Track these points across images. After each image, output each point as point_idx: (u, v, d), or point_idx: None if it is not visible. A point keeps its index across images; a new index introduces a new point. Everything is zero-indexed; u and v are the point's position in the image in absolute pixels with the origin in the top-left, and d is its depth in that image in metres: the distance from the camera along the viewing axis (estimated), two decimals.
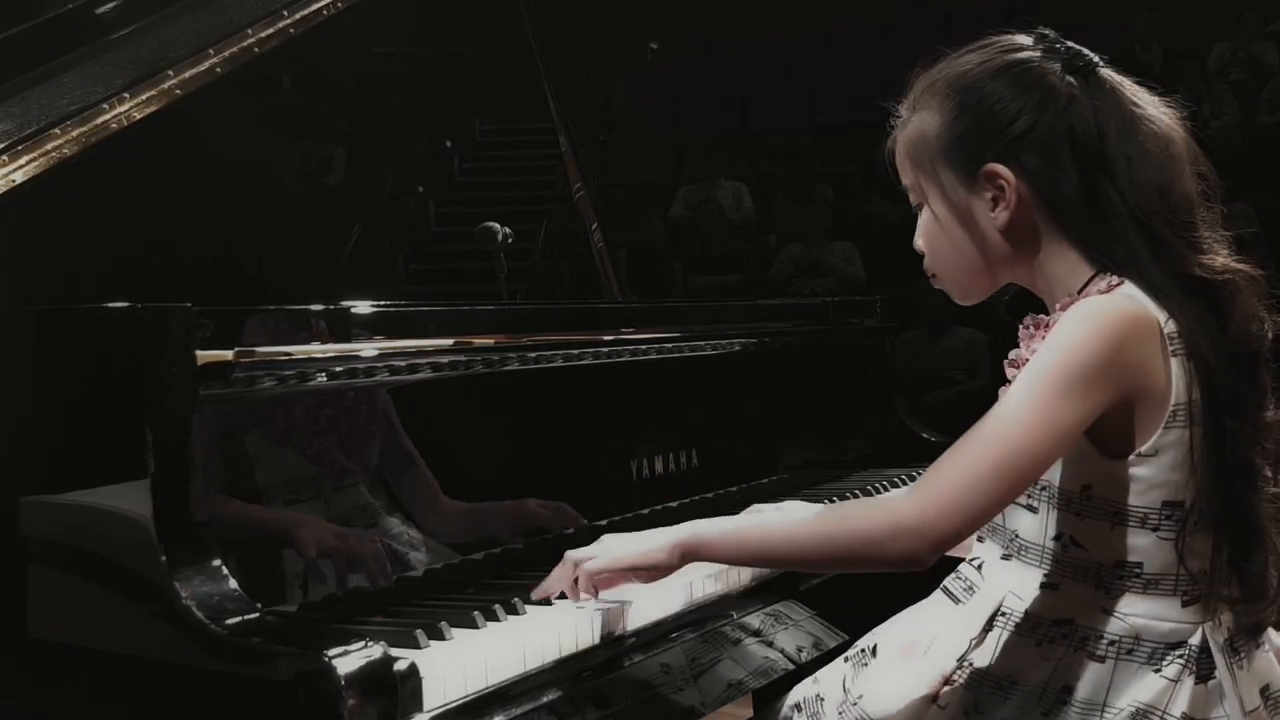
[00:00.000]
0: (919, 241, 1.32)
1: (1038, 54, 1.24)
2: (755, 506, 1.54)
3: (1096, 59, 1.24)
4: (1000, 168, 1.21)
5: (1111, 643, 1.18)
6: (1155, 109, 1.23)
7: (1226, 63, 7.13)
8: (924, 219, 1.30)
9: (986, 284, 1.30)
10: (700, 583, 1.48)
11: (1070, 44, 1.24)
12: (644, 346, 1.81)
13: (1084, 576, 1.20)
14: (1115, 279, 1.20)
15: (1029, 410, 1.14)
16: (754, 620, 1.56)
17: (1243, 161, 6.05)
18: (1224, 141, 6.21)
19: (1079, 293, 1.22)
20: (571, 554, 1.32)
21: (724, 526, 1.29)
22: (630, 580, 1.30)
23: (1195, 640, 1.18)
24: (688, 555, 1.26)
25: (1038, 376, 1.15)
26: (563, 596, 1.35)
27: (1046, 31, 1.26)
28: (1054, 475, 1.20)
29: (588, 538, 1.36)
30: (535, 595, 1.34)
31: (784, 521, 1.27)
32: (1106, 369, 1.14)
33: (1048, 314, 1.25)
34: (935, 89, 1.26)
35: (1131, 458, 1.17)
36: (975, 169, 1.22)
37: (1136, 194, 1.18)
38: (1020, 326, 1.28)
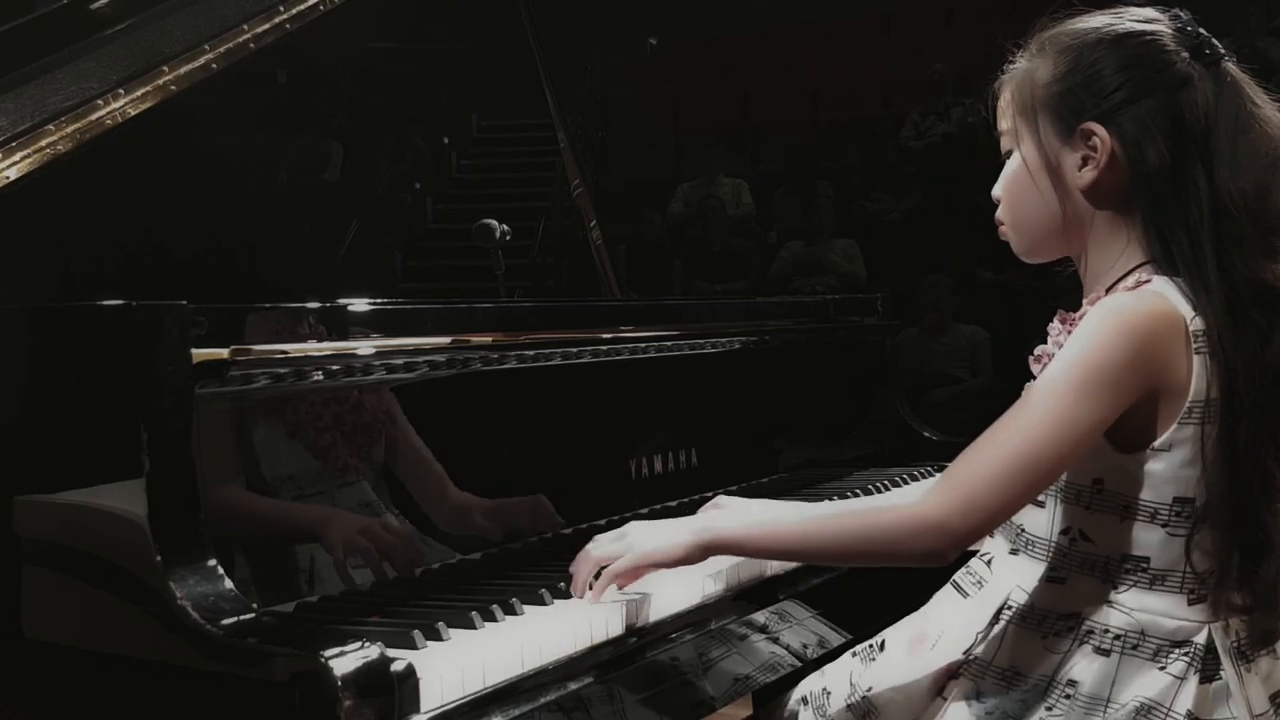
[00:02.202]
0: (998, 189, 1.33)
1: (1168, 32, 1.24)
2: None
3: (1224, 51, 1.24)
4: (1098, 127, 1.22)
5: (1117, 637, 1.18)
6: (1273, 112, 1.23)
7: None
8: (1010, 165, 1.31)
9: (1053, 244, 1.30)
10: (701, 582, 1.47)
11: (1204, 31, 1.25)
12: (643, 344, 1.80)
13: (1090, 570, 1.21)
14: (1146, 275, 1.21)
15: (1052, 410, 1.15)
16: (759, 618, 1.56)
17: None
18: None
19: (1117, 283, 1.22)
20: (593, 550, 1.32)
21: (746, 522, 1.30)
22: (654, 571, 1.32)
23: (1201, 639, 1.18)
24: (709, 551, 1.28)
25: (1060, 375, 1.16)
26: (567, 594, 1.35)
27: (1182, 13, 1.27)
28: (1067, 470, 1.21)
29: (586, 538, 1.35)
30: (574, 592, 1.34)
31: (806, 517, 1.28)
32: (1128, 369, 1.15)
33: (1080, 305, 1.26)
34: (1057, 40, 1.27)
35: (1145, 452, 1.17)
36: (1074, 123, 1.23)
37: (1232, 187, 1.18)
38: (1051, 324, 1.28)
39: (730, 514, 1.34)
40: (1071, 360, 1.16)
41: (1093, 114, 1.22)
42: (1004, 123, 1.31)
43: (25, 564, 1.18)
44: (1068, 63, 1.25)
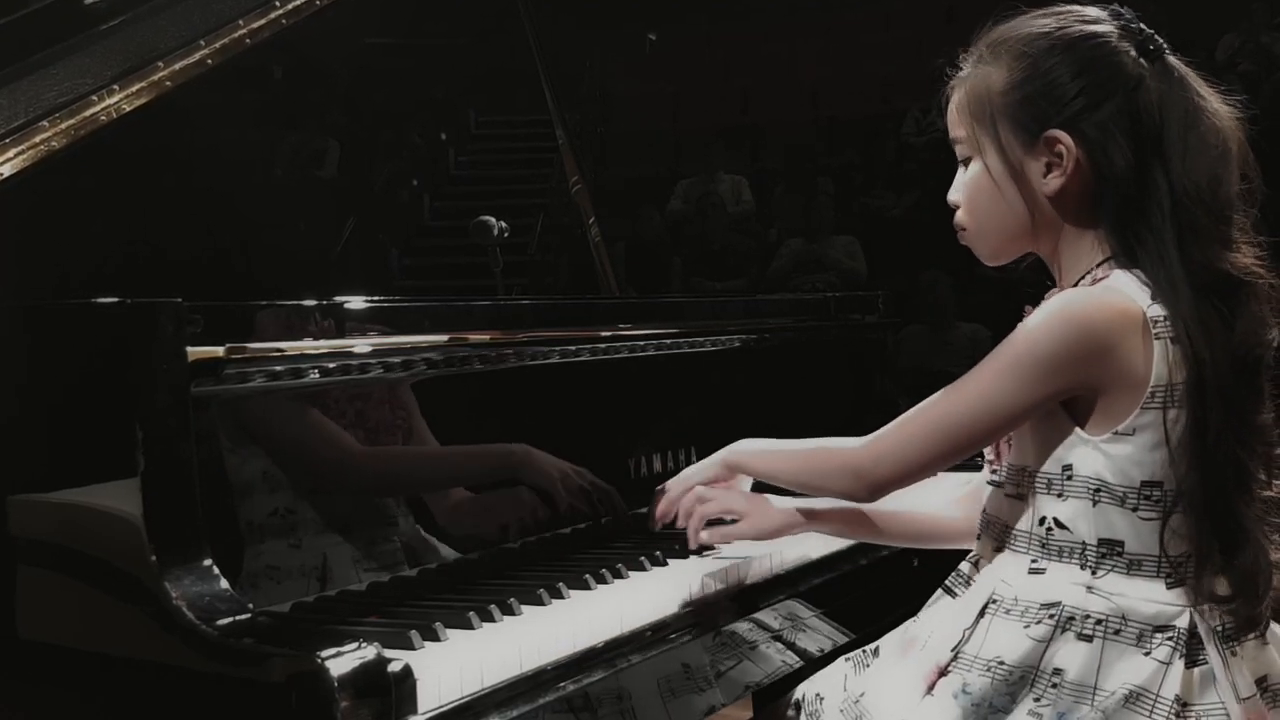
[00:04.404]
0: (955, 195, 1.34)
1: (1114, 30, 1.26)
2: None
3: (1167, 46, 1.26)
4: (1063, 135, 1.23)
5: (1098, 622, 1.19)
6: (1217, 103, 1.25)
7: (1235, 54, 7.09)
8: (970, 173, 1.32)
9: (1018, 247, 1.33)
10: (700, 582, 1.46)
11: (1144, 26, 1.26)
12: (642, 343, 1.80)
13: (1069, 558, 1.22)
14: (1104, 272, 1.23)
15: (976, 384, 1.24)
16: (760, 618, 1.55)
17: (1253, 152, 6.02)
18: None
19: (1079, 280, 1.25)
20: (660, 493, 1.52)
21: (756, 449, 1.48)
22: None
23: (1183, 624, 1.19)
24: (732, 467, 1.48)
25: (995, 355, 1.23)
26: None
27: (1123, 10, 1.28)
28: (1038, 460, 1.24)
29: (585, 537, 1.35)
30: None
31: (788, 450, 1.44)
32: (1063, 360, 1.19)
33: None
34: (1006, 46, 1.28)
35: (1109, 435, 1.19)
36: (1038, 132, 1.25)
37: (1186, 181, 1.21)
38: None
39: (749, 443, 1.51)
40: (1007, 343, 1.23)
41: (1056, 122, 1.23)
42: (958, 129, 1.32)
43: (20, 564, 1.17)
44: (1023, 70, 1.25)
